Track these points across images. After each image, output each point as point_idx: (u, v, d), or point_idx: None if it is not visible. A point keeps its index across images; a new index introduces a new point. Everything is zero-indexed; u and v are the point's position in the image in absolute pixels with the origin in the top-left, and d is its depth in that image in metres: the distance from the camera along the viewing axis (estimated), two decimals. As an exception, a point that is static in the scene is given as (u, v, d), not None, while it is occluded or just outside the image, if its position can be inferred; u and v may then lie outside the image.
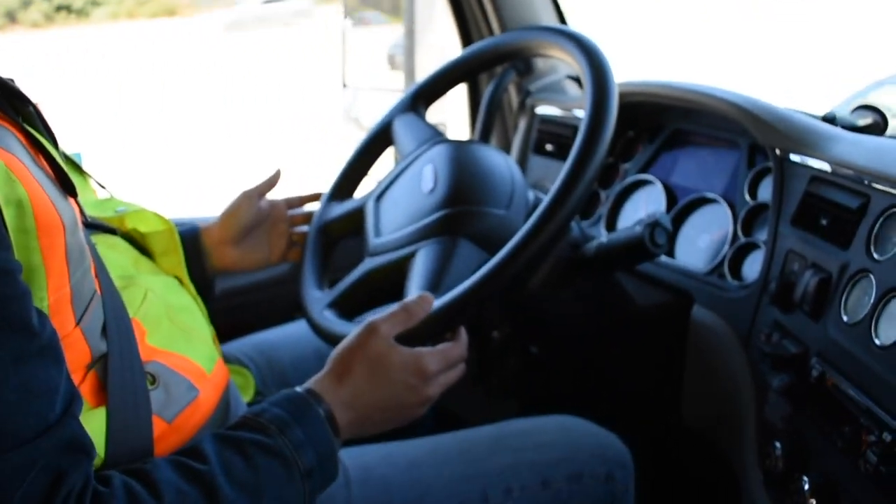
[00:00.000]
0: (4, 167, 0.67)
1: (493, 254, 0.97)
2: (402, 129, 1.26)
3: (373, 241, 1.15)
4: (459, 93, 1.82)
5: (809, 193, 1.01)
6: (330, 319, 1.10)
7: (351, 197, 1.29)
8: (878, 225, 0.88)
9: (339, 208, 1.25)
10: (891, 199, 0.87)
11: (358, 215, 1.21)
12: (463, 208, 1.09)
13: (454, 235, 1.07)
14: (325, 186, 1.32)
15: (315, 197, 1.31)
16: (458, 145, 1.17)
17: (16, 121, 0.76)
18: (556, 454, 1.06)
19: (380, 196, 1.21)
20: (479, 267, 0.97)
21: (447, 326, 0.96)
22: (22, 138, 0.75)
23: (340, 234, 1.25)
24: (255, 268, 1.25)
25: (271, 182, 1.25)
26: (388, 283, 1.10)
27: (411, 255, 1.08)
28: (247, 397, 1.13)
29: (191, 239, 1.18)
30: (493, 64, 1.29)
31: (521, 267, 0.94)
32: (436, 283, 1.02)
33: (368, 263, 1.13)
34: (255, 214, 1.22)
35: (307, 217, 1.29)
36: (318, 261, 1.22)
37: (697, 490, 1.33)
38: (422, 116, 1.28)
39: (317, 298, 1.15)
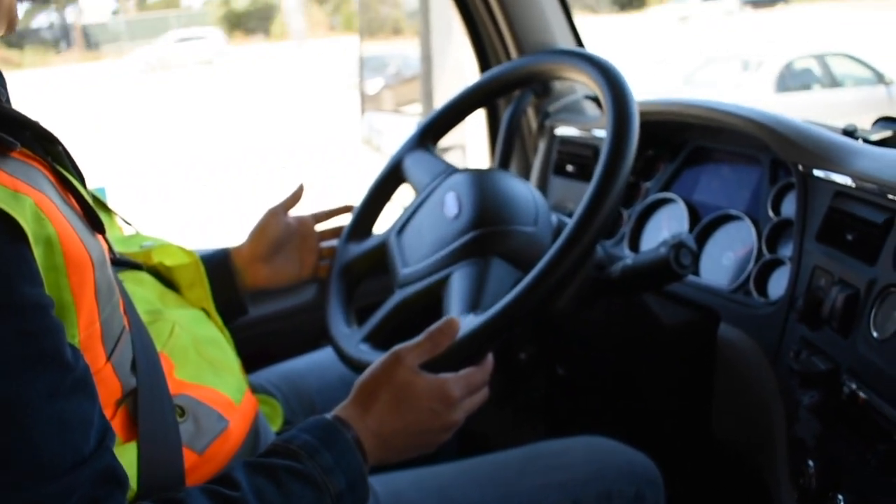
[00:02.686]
0: (34, 205, 0.68)
1: (526, 271, 0.96)
2: (414, 166, 1.27)
3: (401, 271, 1.15)
4: (479, 115, 1.83)
5: (834, 209, 1.01)
6: (366, 352, 1.09)
7: (368, 237, 1.29)
8: (904, 240, 0.87)
9: (359, 247, 1.25)
10: None
11: (380, 252, 1.21)
12: (492, 228, 1.09)
13: (486, 255, 1.07)
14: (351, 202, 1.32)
15: (343, 210, 1.31)
16: (476, 173, 1.17)
17: (45, 160, 0.77)
18: (584, 474, 1.06)
19: (401, 229, 1.21)
20: (515, 284, 0.97)
21: (480, 350, 0.96)
22: (51, 177, 0.76)
23: (363, 272, 1.24)
24: (287, 284, 1.26)
25: (295, 197, 1.26)
26: (423, 310, 1.10)
27: (445, 279, 1.07)
28: (275, 426, 1.13)
29: (221, 260, 1.19)
30: (509, 90, 1.30)
31: (553, 287, 0.94)
32: (475, 302, 1.02)
33: (400, 294, 1.13)
34: (283, 230, 1.23)
35: (336, 231, 1.30)
36: (343, 302, 1.21)
37: None
38: (432, 152, 1.29)
39: (348, 335, 1.14)
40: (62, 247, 0.69)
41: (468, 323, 0.96)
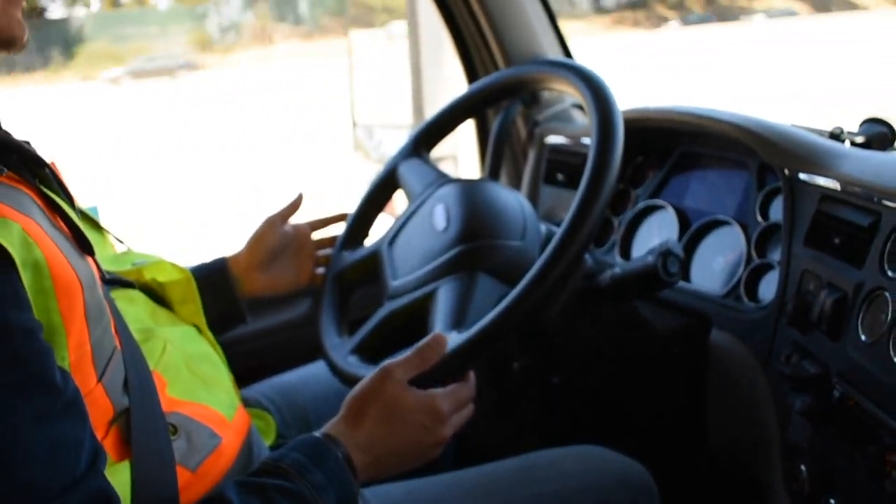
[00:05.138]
0: (21, 230, 0.68)
1: (512, 285, 0.97)
2: (408, 174, 1.28)
3: (391, 283, 1.16)
4: (468, 125, 1.83)
5: (820, 212, 1.01)
6: (354, 365, 1.10)
7: (362, 244, 1.30)
8: (889, 242, 0.87)
9: (353, 256, 1.26)
10: None
11: (372, 260, 1.22)
12: (478, 243, 1.09)
13: (472, 270, 1.07)
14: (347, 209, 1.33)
15: (339, 218, 1.32)
16: (466, 184, 1.18)
17: (32, 183, 0.77)
18: (579, 484, 1.05)
19: (392, 240, 1.22)
20: (501, 299, 0.97)
21: (469, 363, 0.96)
22: (38, 200, 0.76)
23: (356, 280, 1.25)
24: (284, 292, 1.27)
25: (294, 206, 1.27)
26: (411, 323, 1.10)
27: (432, 294, 1.08)
28: (269, 440, 1.13)
29: (219, 269, 1.20)
30: (495, 101, 1.30)
31: (539, 301, 0.94)
32: (459, 319, 1.02)
33: (389, 307, 1.14)
34: (281, 239, 1.24)
35: (332, 240, 1.31)
36: (336, 310, 1.22)
37: None
38: (426, 160, 1.30)
39: (338, 345, 1.15)
40: (50, 270, 0.69)
41: (451, 341, 0.96)
